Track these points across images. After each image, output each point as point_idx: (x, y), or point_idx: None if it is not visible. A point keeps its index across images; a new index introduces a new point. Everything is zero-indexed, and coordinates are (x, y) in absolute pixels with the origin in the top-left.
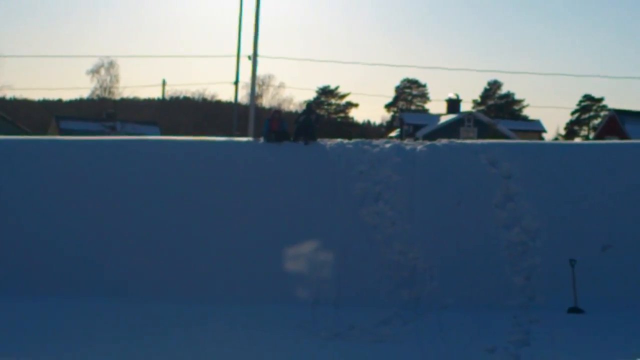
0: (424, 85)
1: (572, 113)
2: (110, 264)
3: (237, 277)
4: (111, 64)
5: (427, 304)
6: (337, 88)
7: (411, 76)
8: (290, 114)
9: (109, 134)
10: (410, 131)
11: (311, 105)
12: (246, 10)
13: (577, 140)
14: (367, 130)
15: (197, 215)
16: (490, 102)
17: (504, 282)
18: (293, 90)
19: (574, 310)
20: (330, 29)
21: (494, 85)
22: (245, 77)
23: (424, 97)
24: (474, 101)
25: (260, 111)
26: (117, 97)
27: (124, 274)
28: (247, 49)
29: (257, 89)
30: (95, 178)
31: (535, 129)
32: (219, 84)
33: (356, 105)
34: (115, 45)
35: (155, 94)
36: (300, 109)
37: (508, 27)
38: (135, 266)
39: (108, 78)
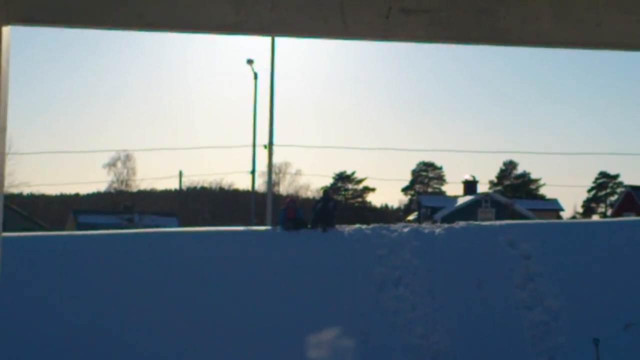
0: (440, 168)
1: (589, 190)
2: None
3: None
4: (128, 157)
5: None
6: (353, 173)
7: (427, 159)
8: (307, 200)
9: (126, 227)
10: (428, 214)
11: (328, 192)
12: (261, 99)
13: (595, 217)
14: (385, 215)
15: (217, 303)
16: (507, 182)
17: None
18: (310, 177)
19: None
20: (345, 115)
21: (510, 166)
22: (262, 166)
23: (441, 179)
24: (491, 182)
25: (278, 199)
26: (134, 190)
27: None
28: (262, 138)
29: (273, 177)
30: (111, 272)
31: (553, 207)
32: (236, 174)
33: (373, 189)
34: (131, 138)
35: (172, 185)
36: (317, 196)
37: (522, 106)
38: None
39: (125, 171)
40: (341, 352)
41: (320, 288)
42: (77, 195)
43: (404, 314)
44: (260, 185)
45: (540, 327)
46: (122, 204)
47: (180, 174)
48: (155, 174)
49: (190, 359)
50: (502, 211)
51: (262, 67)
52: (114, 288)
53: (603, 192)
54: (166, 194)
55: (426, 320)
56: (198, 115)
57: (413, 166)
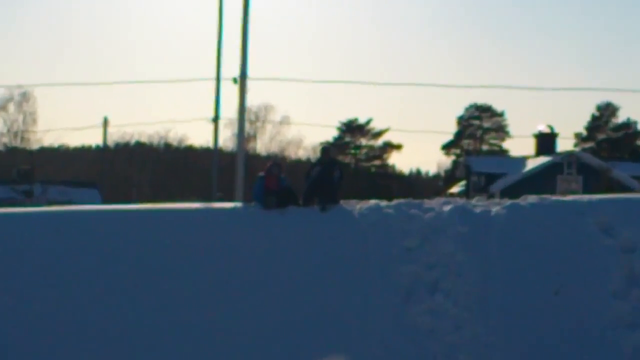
0: (501, 114)
1: None
2: None
3: None
4: (24, 97)
5: None
6: (368, 122)
7: (481, 100)
8: (298, 164)
9: (22, 203)
10: (482, 184)
11: (329, 151)
12: (229, 9)
13: None
14: (416, 185)
15: (162, 322)
16: (602, 135)
17: None
18: (303, 128)
19: None
20: (355, 36)
21: (607, 111)
22: (229, 111)
23: (501, 131)
24: (577, 135)
25: (254, 161)
26: (35, 147)
27: None
28: (231, 69)
29: (247, 127)
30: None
31: None
32: (190, 123)
33: (398, 147)
34: (30, 69)
35: (92, 139)
36: (313, 157)
37: (622, 27)
38: None
39: (20, 118)
40: None
41: (316, 298)
42: None
43: (442, 337)
44: (227, 140)
45: None
46: (15, 169)
47: (105, 122)
48: (67, 123)
49: None
50: (594, 180)
51: None
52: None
53: None
54: (83, 152)
55: (476, 345)
56: (134, 36)
57: (459, 111)
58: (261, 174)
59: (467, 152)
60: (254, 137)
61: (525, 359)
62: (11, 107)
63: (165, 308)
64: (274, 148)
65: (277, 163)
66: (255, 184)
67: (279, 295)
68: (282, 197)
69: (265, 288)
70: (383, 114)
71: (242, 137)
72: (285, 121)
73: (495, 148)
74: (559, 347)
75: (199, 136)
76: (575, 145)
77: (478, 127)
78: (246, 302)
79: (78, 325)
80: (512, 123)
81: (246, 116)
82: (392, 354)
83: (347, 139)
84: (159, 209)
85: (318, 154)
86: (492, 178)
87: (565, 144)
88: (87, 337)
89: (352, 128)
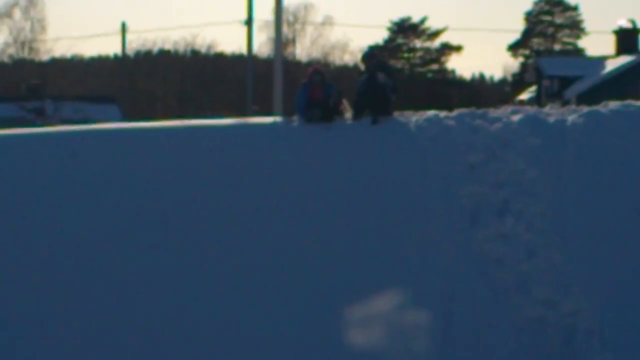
0: (575, 8)
1: None
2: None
3: (263, 343)
4: (31, 1)
5: None
6: (423, 21)
7: None
8: (344, 70)
9: (33, 123)
10: (555, 89)
11: (378, 55)
12: None
13: None
14: (479, 92)
15: (195, 250)
16: None
17: None
18: (348, 30)
19: None
20: None
21: None
22: (264, 13)
23: (576, 28)
24: None
25: (294, 68)
26: (45, 58)
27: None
28: None
29: (285, 30)
30: (17, 195)
31: None
32: (220, 26)
33: (459, 48)
34: None
35: (110, 48)
36: (361, 63)
37: None
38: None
39: (27, 25)
40: (407, 331)
41: (370, 221)
42: None
43: (514, 265)
44: (262, 45)
45: None
46: (24, 84)
47: (123, 28)
48: (80, 30)
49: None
50: None
51: None
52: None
53: None
54: (99, 64)
55: (554, 275)
56: None
57: (527, 6)
58: (304, 81)
59: (538, 53)
60: (293, 41)
61: (609, 288)
62: (17, 13)
63: (198, 239)
64: (315, 53)
65: (319, 70)
66: (298, 94)
67: (326, 223)
68: (328, 109)
69: (310, 215)
70: (440, 12)
71: (280, 41)
72: (328, 22)
73: (570, 47)
74: None
75: (231, 41)
76: None
77: (549, 23)
78: (289, 230)
79: (93, 262)
80: (588, 18)
81: (284, 17)
82: (457, 286)
83: (400, 41)
84: (187, 126)
85: (366, 60)
86: (566, 82)
87: None
88: (102, 277)
89: (405, 28)
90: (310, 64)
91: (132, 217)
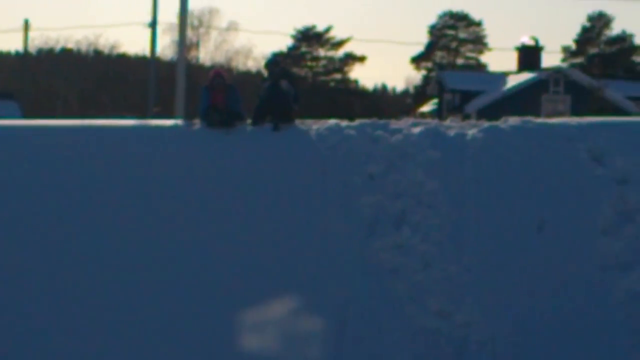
0: (479, 24)
1: None
2: None
3: (156, 345)
4: None
5: None
6: (328, 30)
7: (456, 8)
8: (247, 76)
9: None
10: (456, 103)
11: (279, 62)
12: None
13: None
14: (381, 103)
15: (89, 250)
16: (593, 49)
17: None
18: (252, 36)
19: None
20: None
21: (599, 22)
22: (169, 15)
23: (479, 43)
24: (566, 49)
25: (197, 72)
26: None
27: None
28: None
29: (189, 34)
30: None
31: None
32: (124, 27)
33: (362, 59)
34: None
35: (11, 44)
36: (264, 70)
37: None
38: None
39: None
40: (302, 340)
41: (266, 233)
42: None
43: (409, 276)
44: (166, 48)
45: None
46: None
47: (26, 25)
48: None
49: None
50: (584, 100)
51: None
52: None
53: None
54: (0, 60)
55: (449, 286)
56: None
57: (432, 19)
58: (206, 84)
59: (440, 67)
60: (197, 45)
61: (503, 303)
62: None
63: (91, 240)
64: (219, 58)
65: (220, 73)
66: (201, 97)
67: (221, 231)
68: (230, 114)
69: (206, 221)
70: (344, 21)
71: (183, 44)
72: (232, 27)
73: (472, 62)
74: (541, 289)
75: (134, 43)
76: (563, 60)
77: (453, 37)
78: (185, 235)
79: None
80: (492, 34)
81: (188, 21)
82: (352, 295)
83: (303, 49)
84: (88, 126)
85: (270, 66)
86: (467, 96)
87: (551, 59)
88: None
89: (309, 37)
90: (213, 67)
91: (26, 215)
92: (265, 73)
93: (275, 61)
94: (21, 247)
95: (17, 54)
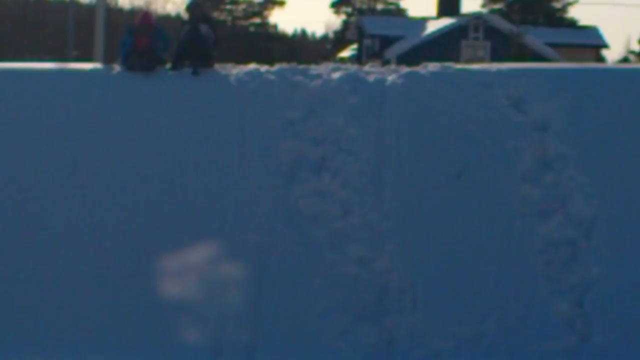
0: None
1: None
2: None
3: (74, 301)
4: None
5: (406, 349)
6: None
7: None
8: (167, 20)
9: None
10: (376, 48)
11: (200, 5)
12: None
13: None
14: (301, 48)
15: (4, 195)
16: None
17: (538, 311)
18: None
19: None
20: None
21: None
22: None
23: None
24: None
25: (116, 15)
26: None
27: None
28: None
29: None
30: None
31: (590, 42)
32: None
33: (281, 3)
34: None
35: None
36: (183, 14)
37: None
38: None
39: None
40: (220, 286)
41: (185, 175)
42: None
43: (329, 223)
44: None
45: (562, 248)
46: None
47: None
48: None
49: None
50: (503, 46)
51: None
52: None
53: None
54: None
55: (368, 233)
56: None
57: None
58: (131, 27)
59: (360, 11)
60: None
61: (423, 248)
62: None
63: (6, 184)
64: (138, 2)
65: (148, 13)
66: (122, 40)
67: (142, 173)
68: (150, 60)
69: (127, 165)
70: None
71: None
72: None
73: (392, 7)
74: (461, 235)
75: None
76: (483, 5)
77: None
78: (105, 178)
79: None
80: None
81: None
82: (272, 241)
83: None
84: (5, 69)
85: (187, 13)
86: (387, 42)
87: (471, 4)
88: None
89: None
90: (133, 11)
91: None
92: (185, 16)
93: (197, 4)
94: None
95: None
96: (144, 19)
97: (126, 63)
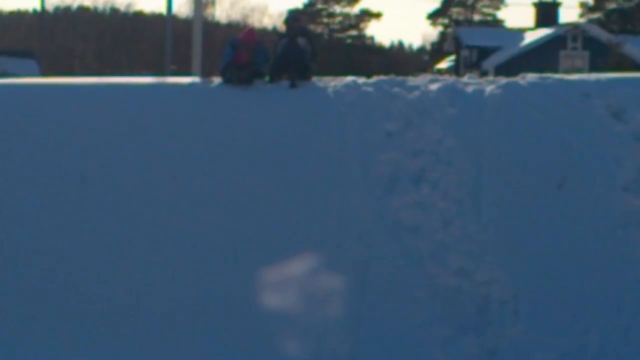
0: None
1: None
2: None
3: (174, 312)
4: None
5: None
6: None
7: None
8: (263, 34)
9: None
10: (473, 59)
11: (298, 19)
12: None
13: None
14: (398, 60)
15: (111, 209)
16: (612, 5)
17: None
18: None
19: None
20: None
21: None
22: None
23: None
24: (583, 5)
25: (213, 29)
26: None
27: None
28: None
29: None
30: None
31: None
32: None
33: (378, 15)
34: None
35: (29, 2)
36: (280, 27)
37: None
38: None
39: None
40: (321, 297)
41: (285, 188)
42: None
43: (429, 234)
44: (182, 5)
45: None
46: None
47: None
48: None
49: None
50: (602, 56)
51: None
52: None
53: None
54: (18, 18)
55: (468, 244)
56: None
57: None
58: (233, 40)
59: (457, 23)
60: (213, 2)
61: (523, 260)
62: None
63: (113, 198)
64: (235, 15)
65: (252, 31)
66: (224, 53)
67: (242, 186)
68: (250, 73)
69: (227, 178)
70: None
71: (200, 1)
72: None
73: (489, 18)
74: (561, 246)
75: (151, 1)
76: (581, 15)
77: None
78: (205, 192)
79: (10, 216)
80: None
81: None
82: (372, 253)
83: (319, 5)
84: (105, 84)
85: (285, 25)
86: (485, 52)
87: (569, 14)
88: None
89: None
90: (230, 25)
91: (47, 174)
92: (282, 30)
93: (294, 17)
94: (42, 206)
95: (35, 12)
96: (248, 36)
97: (225, 75)
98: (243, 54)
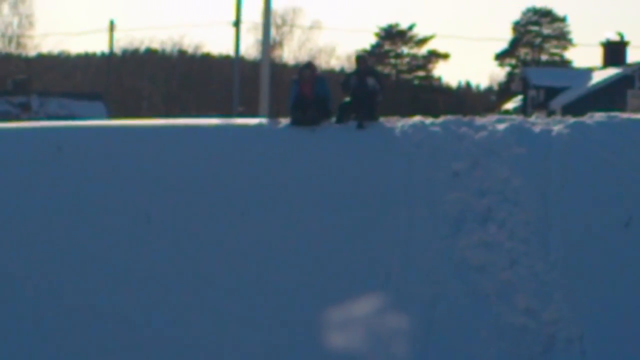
0: (563, 19)
1: None
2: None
3: (243, 344)
4: None
5: None
6: (411, 27)
7: (540, 4)
8: (331, 75)
9: (18, 117)
10: (541, 99)
11: (366, 60)
12: None
13: None
14: (465, 100)
15: (180, 248)
16: None
17: None
18: (336, 34)
19: None
20: None
21: None
22: (253, 14)
23: (564, 39)
24: None
25: (281, 71)
26: (32, 53)
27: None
28: None
29: (273, 33)
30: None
31: None
32: (208, 27)
33: (445, 56)
34: None
35: (97, 45)
36: (348, 67)
37: None
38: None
39: (15, 20)
40: (385, 338)
41: (353, 226)
42: None
43: (496, 273)
44: (250, 47)
45: None
46: (10, 79)
47: (111, 26)
48: (68, 27)
49: None
50: None
51: None
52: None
53: None
54: (86, 61)
55: (535, 283)
56: None
57: (516, 16)
58: (295, 77)
59: (524, 63)
60: (280, 44)
61: (591, 298)
62: (5, 8)
63: (182, 238)
64: (303, 56)
65: (309, 64)
66: (291, 89)
67: (310, 226)
68: (318, 109)
69: (294, 218)
70: (428, 19)
71: (267, 43)
72: (315, 26)
73: (556, 58)
74: (629, 284)
75: (218, 43)
76: None
77: (537, 34)
78: (273, 232)
79: (77, 257)
80: (576, 30)
81: (272, 20)
82: (438, 292)
83: (387, 47)
84: (173, 125)
85: (353, 64)
86: (552, 92)
87: (637, 53)
88: (85, 271)
89: (393, 34)
90: (297, 66)
91: (116, 214)
92: (348, 69)
93: (363, 57)
94: (110, 246)
95: (103, 54)
96: (306, 68)
97: (294, 112)
98: (307, 86)
